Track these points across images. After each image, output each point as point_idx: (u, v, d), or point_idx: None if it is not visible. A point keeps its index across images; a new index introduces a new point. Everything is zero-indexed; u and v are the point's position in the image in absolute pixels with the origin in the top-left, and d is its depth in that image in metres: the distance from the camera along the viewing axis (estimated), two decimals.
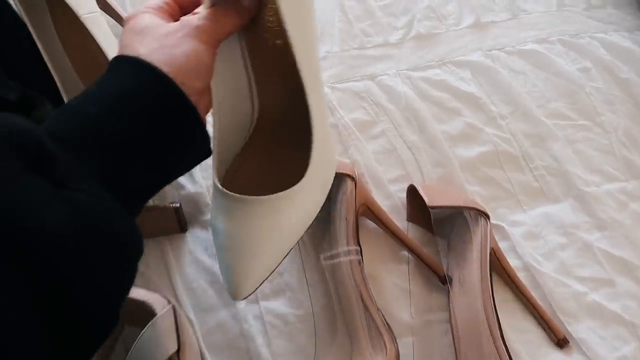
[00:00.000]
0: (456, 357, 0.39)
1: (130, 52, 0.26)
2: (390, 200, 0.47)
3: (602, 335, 0.42)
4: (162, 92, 0.25)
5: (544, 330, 0.42)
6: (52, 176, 0.21)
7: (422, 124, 0.51)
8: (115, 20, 0.48)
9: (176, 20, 0.29)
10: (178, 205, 0.43)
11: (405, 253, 0.45)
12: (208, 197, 0.45)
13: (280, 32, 0.35)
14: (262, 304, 0.42)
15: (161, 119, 0.25)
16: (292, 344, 0.40)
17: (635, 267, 0.45)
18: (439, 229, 0.45)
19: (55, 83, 0.41)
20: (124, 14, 0.48)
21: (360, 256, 0.40)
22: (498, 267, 0.44)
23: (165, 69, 0.25)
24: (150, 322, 0.34)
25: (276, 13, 0.33)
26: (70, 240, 0.21)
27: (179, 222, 0.43)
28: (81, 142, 0.23)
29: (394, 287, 0.44)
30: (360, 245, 0.40)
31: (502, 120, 0.51)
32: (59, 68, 0.42)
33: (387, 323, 0.39)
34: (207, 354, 0.39)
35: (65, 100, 0.41)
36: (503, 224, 0.47)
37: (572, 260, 0.46)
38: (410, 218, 0.46)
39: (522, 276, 0.45)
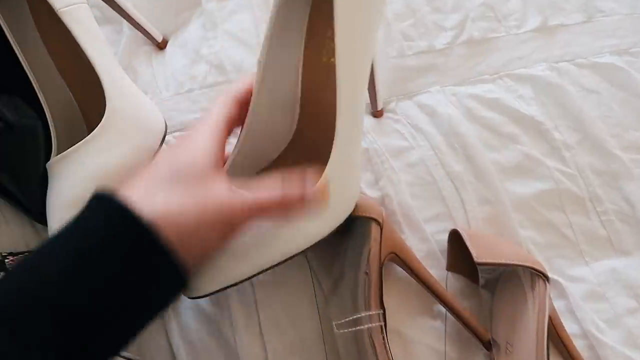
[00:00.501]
0: None
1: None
2: (426, 244, 0.47)
3: None
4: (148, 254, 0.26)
5: None
6: None
7: (468, 151, 0.49)
8: (104, 1, 0.47)
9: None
10: None
11: (441, 307, 0.44)
12: None
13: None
14: None
15: (142, 282, 0.27)
16: None
17: None
18: (485, 282, 0.45)
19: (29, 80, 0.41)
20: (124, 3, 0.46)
21: (383, 321, 0.40)
22: (552, 333, 0.43)
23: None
24: None
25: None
26: None
27: None
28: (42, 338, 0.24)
29: (425, 348, 0.44)
30: (384, 306, 0.40)
31: (567, 152, 0.48)
32: (36, 64, 0.42)
33: None
34: None
35: (45, 106, 0.41)
36: (560, 279, 0.47)
37: None
38: (451, 267, 0.46)
39: (578, 345, 0.44)
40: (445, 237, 0.46)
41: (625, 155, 0.49)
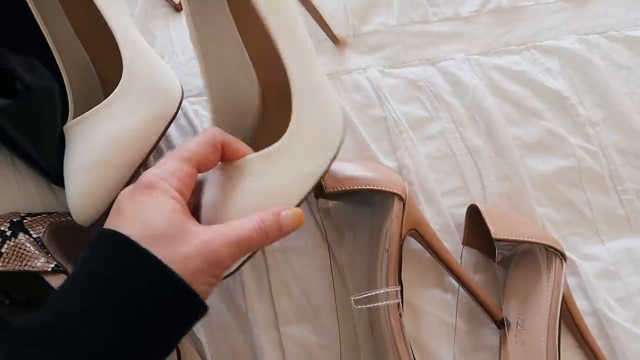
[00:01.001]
0: None
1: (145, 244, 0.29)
2: (441, 218, 0.46)
3: None
4: (171, 294, 0.28)
5: None
6: None
7: (490, 125, 0.48)
8: None
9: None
10: None
11: (452, 280, 0.43)
12: None
13: None
14: (282, 328, 0.42)
15: (168, 321, 0.29)
16: None
17: None
18: (501, 258, 0.44)
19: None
20: None
21: (400, 298, 0.39)
22: (563, 309, 0.43)
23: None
24: None
25: None
26: None
27: None
28: None
29: (436, 321, 0.44)
30: (401, 281, 0.40)
31: (591, 129, 0.47)
32: (53, 24, 0.41)
33: None
34: None
35: (62, 68, 0.40)
36: (574, 257, 0.46)
37: None
38: (468, 242, 0.45)
39: (588, 322, 0.44)
40: (461, 211, 0.45)
41: None
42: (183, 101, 0.46)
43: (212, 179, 0.33)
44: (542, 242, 0.41)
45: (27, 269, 0.36)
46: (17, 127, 0.41)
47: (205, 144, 0.32)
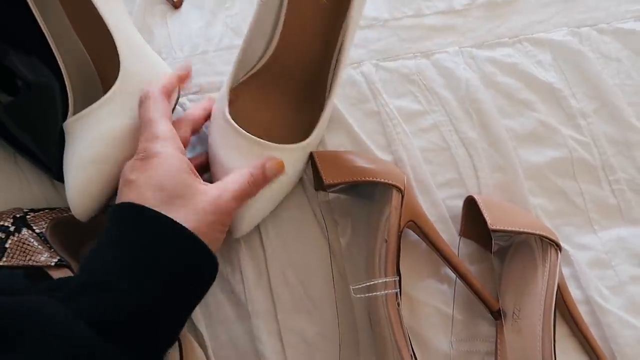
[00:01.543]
0: None
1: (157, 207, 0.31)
2: (437, 209, 0.46)
3: None
4: (193, 255, 0.31)
5: None
6: None
7: (483, 118, 0.48)
8: None
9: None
10: None
11: (448, 271, 0.44)
12: None
13: None
14: (281, 318, 0.42)
15: (191, 280, 0.31)
16: None
17: None
18: (497, 249, 0.44)
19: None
20: None
21: (398, 288, 0.39)
22: (558, 299, 0.43)
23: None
24: None
25: None
26: None
27: None
28: (123, 329, 0.28)
29: (433, 311, 0.44)
30: (399, 272, 0.40)
31: (582, 120, 0.47)
32: (53, 23, 0.41)
33: None
34: None
35: (62, 66, 0.41)
36: (567, 246, 0.46)
37: None
38: (465, 233, 0.45)
39: (582, 311, 0.44)
40: (456, 203, 0.45)
41: None
42: (182, 98, 0.47)
43: None
44: (537, 232, 0.41)
45: (31, 264, 0.37)
46: (18, 124, 0.42)
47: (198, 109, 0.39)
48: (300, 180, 0.44)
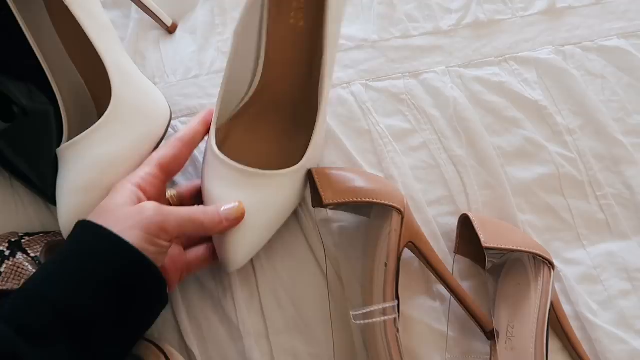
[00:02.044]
0: None
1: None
2: (428, 227, 0.46)
3: None
4: (124, 259, 0.32)
5: None
6: None
7: (471, 136, 0.48)
8: None
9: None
10: None
11: (440, 288, 0.44)
12: None
13: (308, 14, 0.42)
14: (273, 339, 0.42)
15: (127, 286, 0.32)
16: None
17: None
18: (491, 266, 0.45)
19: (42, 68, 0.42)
20: None
21: (397, 312, 0.39)
22: (552, 317, 0.43)
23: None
24: None
25: None
26: None
27: None
28: (50, 335, 0.29)
29: (426, 328, 0.44)
30: (398, 297, 0.39)
31: (569, 136, 0.47)
32: (48, 51, 0.42)
33: None
34: None
35: (57, 92, 0.42)
36: (556, 262, 0.46)
37: (635, 311, 0.45)
38: (459, 251, 0.45)
39: (572, 326, 0.44)
40: (447, 220, 0.46)
41: (627, 139, 0.47)
42: (175, 121, 0.47)
43: None
44: (530, 250, 0.41)
45: None
46: (14, 149, 0.42)
47: (171, 147, 0.38)
48: None
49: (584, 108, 0.48)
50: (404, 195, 0.41)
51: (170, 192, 0.41)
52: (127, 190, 0.35)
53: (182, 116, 0.48)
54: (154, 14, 0.49)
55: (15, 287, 0.37)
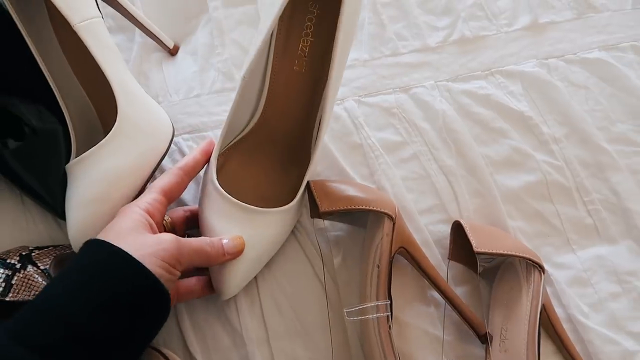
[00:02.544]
0: None
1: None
2: (420, 234, 0.47)
3: None
4: (138, 281, 0.34)
5: None
6: None
7: (460, 146, 0.50)
8: (117, 11, 0.49)
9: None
10: None
11: (434, 293, 0.45)
12: None
13: (310, 63, 0.45)
14: (274, 344, 0.44)
15: (138, 307, 0.34)
16: None
17: None
18: (482, 272, 0.46)
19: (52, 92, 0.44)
20: (127, 4, 0.48)
21: (389, 311, 0.40)
22: (544, 320, 0.44)
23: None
24: None
25: (312, 45, 0.45)
26: None
27: None
28: (59, 352, 0.30)
29: (421, 333, 0.45)
30: (390, 296, 0.41)
31: (555, 145, 0.48)
32: (57, 73, 0.44)
33: None
34: None
35: (65, 113, 0.44)
36: (547, 266, 0.47)
37: (625, 312, 0.46)
38: (453, 257, 0.46)
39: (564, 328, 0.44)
40: (439, 228, 0.47)
41: (611, 147, 0.49)
42: (177, 138, 0.49)
43: None
44: (521, 254, 0.42)
45: None
46: (25, 167, 0.44)
47: (174, 176, 0.40)
48: None
49: (569, 118, 0.50)
50: (396, 204, 0.43)
51: (165, 218, 0.43)
52: (137, 214, 0.37)
53: (184, 133, 0.50)
54: (156, 37, 0.51)
55: (27, 298, 0.38)
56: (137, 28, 0.51)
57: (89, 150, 0.39)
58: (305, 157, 0.44)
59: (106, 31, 0.42)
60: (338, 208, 0.41)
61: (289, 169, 0.45)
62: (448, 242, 0.46)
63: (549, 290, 0.46)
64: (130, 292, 0.33)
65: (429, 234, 0.47)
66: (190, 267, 0.42)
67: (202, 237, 0.40)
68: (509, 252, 0.42)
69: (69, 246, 0.44)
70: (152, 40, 0.52)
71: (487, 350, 0.42)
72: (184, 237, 0.42)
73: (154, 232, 0.37)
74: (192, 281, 0.42)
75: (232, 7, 0.54)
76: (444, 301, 0.44)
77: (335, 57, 0.38)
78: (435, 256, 0.46)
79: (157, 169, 0.41)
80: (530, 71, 0.51)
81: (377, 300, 0.40)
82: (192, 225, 0.44)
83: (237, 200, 0.40)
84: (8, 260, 0.40)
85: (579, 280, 0.46)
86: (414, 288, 0.45)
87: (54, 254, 0.42)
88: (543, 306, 0.42)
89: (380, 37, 0.53)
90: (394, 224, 0.41)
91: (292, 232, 0.46)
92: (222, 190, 0.40)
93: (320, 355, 0.43)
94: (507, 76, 0.51)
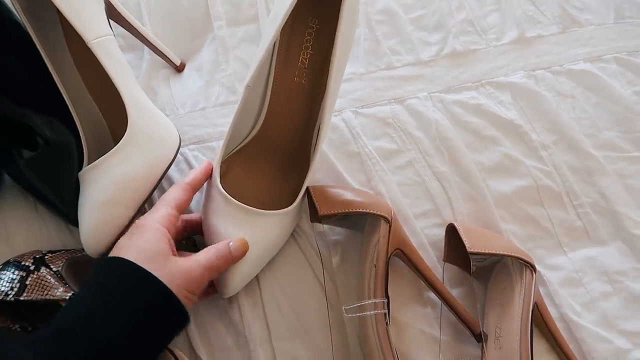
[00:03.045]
0: None
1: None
2: (416, 238, 0.49)
3: None
4: (164, 307, 0.35)
5: None
6: None
7: (453, 154, 0.51)
8: (127, 31, 0.51)
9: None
10: None
11: (431, 294, 0.46)
12: None
13: (310, 75, 0.48)
14: (276, 345, 0.45)
15: (158, 330, 0.35)
16: None
17: None
18: (477, 273, 0.47)
19: (66, 105, 0.45)
20: (136, 24, 0.51)
21: (387, 309, 0.42)
22: (538, 318, 0.45)
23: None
24: None
25: (312, 57, 0.47)
26: None
27: None
28: None
29: (418, 333, 0.46)
30: (388, 295, 0.42)
31: (544, 151, 0.50)
32: (70, 87, 0.46)
33: None
34: None
35: (78, 124, 0.45)
36: (539, 267, 0.48)
37: (616, 311, 0.47)
38: (448, 258, 0.48)
39: (558, 327, 0.46)
40: (434, 231, 0.48)
41: (599, 153, 0.51)
42: (184, 148, 0.52)
43: None
44: (512, 254, 0.44)
45: (48, 298, 0.40)
46: (39, 176, 0.46)
47: (183, 191, 0.42)
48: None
49: (557, 125, 0.52)
50: (392, 208, 0.45)
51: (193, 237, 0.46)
52: (159, 232, 0.38)
53: (190, 144, 0.52)
54: (164, 55, 0.54)
55: (40, 297, 0.40)
56: (145, 46, 0.53)
57: (102, 157, 0.41)
58: (304, 164, 0.46)
59: (118, 48, 0.44)
60: (336, 211, 0.42)
61: (289, 176, 0.47)
62: (443, 244, 0.47)
63: (542, 291, 0.47)
64: (161, 320, 0.35)
65: (424, 238, 0.48)
66: None
67: (209, 251, 0.40)
68: (501, 252, 0.44)
69: (80, 250, 0.46)
70: (160, 57, 0.54)
71: (482, 349, 0.44)
72: (181, 243, 0.45)
73: (173, 250, 0.38)
74: None
75: (235, 26, 0.57)
76: (440, 302, 0.45)
77: (333, 69, 0.41)
78: (431, 259, 0.48)
79: (164, 175, 0.43)
80: (518, 82, 0.54)
81: (375, 298, 0.41)
82: (190, 233, 0.46)
83: (239, 203, 0.42)
84: (22, 263, 0.42)
85: (571, 280, 0.47)
86: (411, 289, 0.47)
87: (66, 257, 0.44)
88: (536, 305, 0.44)
89: (376, 52, 0.55)
90: (390, 226, 0.43)
91: (293, 236, 0.48)
92: (226, 193, 0.42)
93: (321, 355, 0.44)
94: (496, 87, 0.54)
